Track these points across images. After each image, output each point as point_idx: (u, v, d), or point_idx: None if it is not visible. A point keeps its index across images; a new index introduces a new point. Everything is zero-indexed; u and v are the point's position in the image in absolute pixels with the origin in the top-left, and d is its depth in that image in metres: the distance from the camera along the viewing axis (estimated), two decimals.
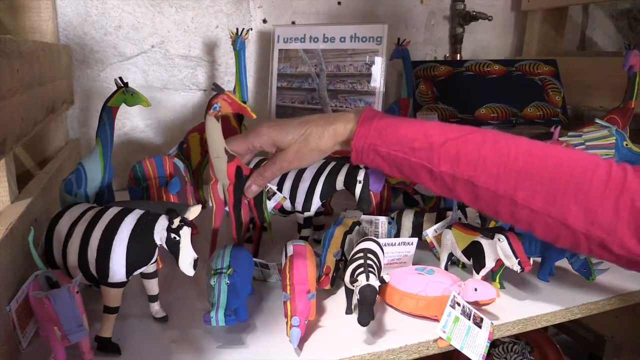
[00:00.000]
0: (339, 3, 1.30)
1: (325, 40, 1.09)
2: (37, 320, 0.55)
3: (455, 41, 1.45)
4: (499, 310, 0.65)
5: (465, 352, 0.57)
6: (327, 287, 0.67)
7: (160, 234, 0.54)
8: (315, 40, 1.10)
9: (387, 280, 0.59)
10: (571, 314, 0.68)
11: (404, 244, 0.75)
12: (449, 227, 0.73)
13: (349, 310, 0.64)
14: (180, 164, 0.84)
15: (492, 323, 0.62)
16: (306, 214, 0.81)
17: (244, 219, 0.69)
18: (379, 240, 0.71)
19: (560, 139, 0.95)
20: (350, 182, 0.77)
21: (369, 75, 1.05)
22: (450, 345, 0.57)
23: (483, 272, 0.68)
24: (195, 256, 0.54)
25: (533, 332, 1.12)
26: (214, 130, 0.61)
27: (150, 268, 0.59)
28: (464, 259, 0.71)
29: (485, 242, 0.67)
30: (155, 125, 1.19)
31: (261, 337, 0.59)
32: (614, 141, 0.92)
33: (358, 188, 0.76)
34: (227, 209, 0.68)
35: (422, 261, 0.78)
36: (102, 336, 0.55)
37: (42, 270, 0.54)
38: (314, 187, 0.79)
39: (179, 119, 1.20)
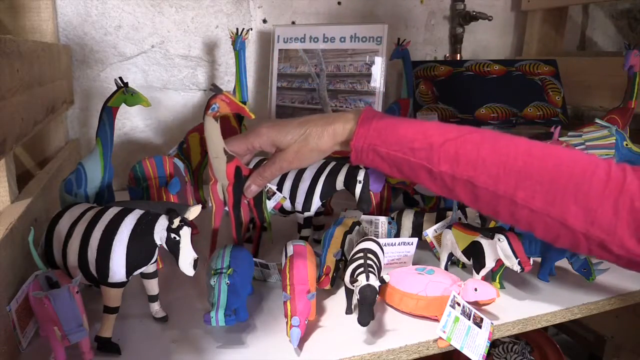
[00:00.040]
0: (339, 3, 1.30)
1: (325, 40, 1.09)
2: (37, 320, 0.55)
3: (455, 41, 1.45)
4: (499, 310, 0.65)
5: (465, 352, 0.57)
6: (327, 287, 0.67)
7: (160, 234, 0.54)
8: (315, 40, 1.10)
9: (387, 280, 0.59)
10: (571, 314, 0.68)
11: (404, 244, 0.75)
12: (449, 227, 0.73)
13: (349, 310, 0.64)
14: (180, 164, 0.84)
15: (492, 323, 0.62)
16: (306, 214, 0.81)
17: (243, 219, 0.69)
18: (379, 240, 0.71)
19: (560, 139, 0.95)
20: (350, 182, 0.77)
21: (369, 75, 1.05)
22: (450, 345, 0.57)
23: (483, 272, 0.68)
24: (195, 256, 0.54)
25: (533, 332, 1.12)
26: (212, 131, 0.61)
27: (150, 268, 0.59)
28: (464, 259, 0.71)
29: (485, 242, 0.67)
30: (155, 125, 1.19)
31: (261, 337, 0.59)
32: (614, 141, 0.92)
33: (358, 188, 0.76)
34: (226, 209, 0.68)
35: (422, 261, 0.78)
36: (102, 336, 0.55)
37: (42, 270, 0.54)
38: (314, 187, 0.79)
39: (179, 119, 1.20)
